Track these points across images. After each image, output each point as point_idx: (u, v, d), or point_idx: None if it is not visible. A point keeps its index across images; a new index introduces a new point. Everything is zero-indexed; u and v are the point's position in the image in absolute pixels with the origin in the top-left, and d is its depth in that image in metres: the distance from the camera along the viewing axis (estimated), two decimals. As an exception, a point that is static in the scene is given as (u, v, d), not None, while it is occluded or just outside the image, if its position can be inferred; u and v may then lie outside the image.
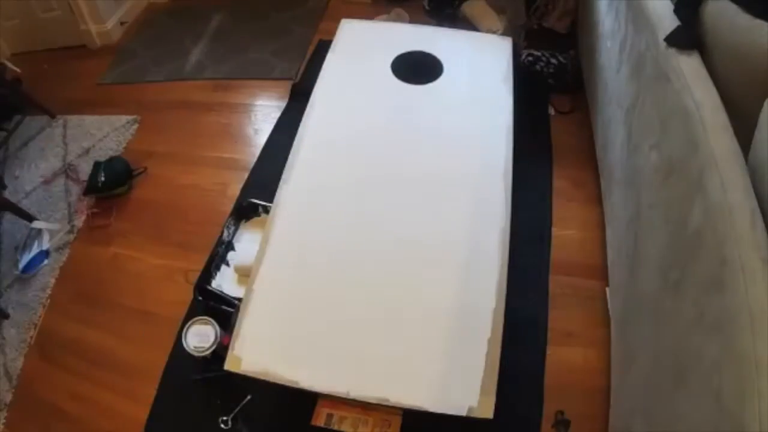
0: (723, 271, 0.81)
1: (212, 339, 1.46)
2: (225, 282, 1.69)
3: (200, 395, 1.51)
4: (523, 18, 2.23)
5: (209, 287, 1.64)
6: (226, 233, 1.76)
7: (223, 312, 1.53)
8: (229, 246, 1.77)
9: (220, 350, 1.40)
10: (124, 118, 2.39)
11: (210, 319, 1.49)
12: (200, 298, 1.62)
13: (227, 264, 1.74)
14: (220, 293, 1.62)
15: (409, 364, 1.15)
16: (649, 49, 1.29)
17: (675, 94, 1.10)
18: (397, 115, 1.58)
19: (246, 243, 1.78)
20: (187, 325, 1.49)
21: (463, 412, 1.06)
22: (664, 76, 1.16)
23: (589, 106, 1.99)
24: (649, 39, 1.28)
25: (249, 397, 1.46)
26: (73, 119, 2.43)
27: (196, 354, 1.45)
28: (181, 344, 1.45)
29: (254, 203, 1.83)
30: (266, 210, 1.81)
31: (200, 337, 1.46)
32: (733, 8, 1.05)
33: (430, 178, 1.43)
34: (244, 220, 1.85)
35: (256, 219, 1.84)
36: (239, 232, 1.82)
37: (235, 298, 1.57)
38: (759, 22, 0.99)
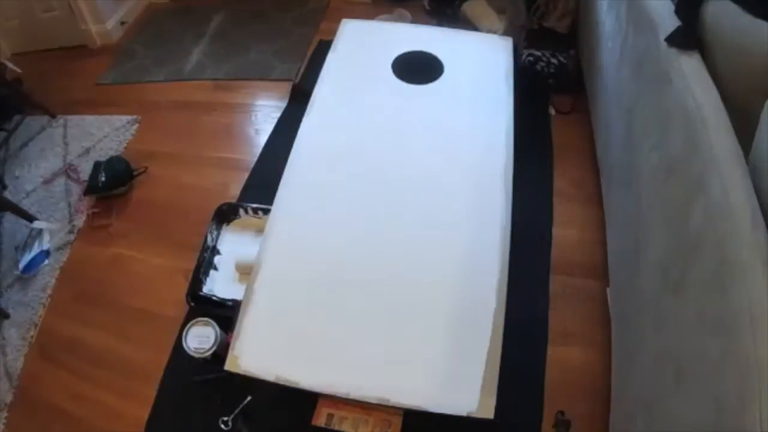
0: (723, 271, 0.81)
1: (212, 340, 1.46)
2: (216, 285, 1.70)
3: (200, 395, 1.51)
4: (524, 18, 2.23)
5: (201, 293, 1.66)
6: (209, 238, 1.78)
7: (220, 315, 1.53)
8: (215, 251, 1.79)
9: (221, 351, 1.40)
10: (125, 118, 2.39)
11: (210, 320, 1.49)
12: (193, 304, 1.64)
13: (215, 268, 1.75)
14: (212, 297, 1.64)
15: (409, 364, 1.15)
16: (649, 50, 1.29)
17: (676, 94, 1.10)
18: (398, 115, 1.57)
19: (230, 245, 1.80)
20: (187, 327, 1.49)
21: (464, 413, 1.06)
22: (665, 77, 1.16)
23: (590, 106, 1.99)
24: (650, 39, 1.28)
25: (249, 397, 1.46)
26: (74, 119, 2.43)
27: (196, 356, 1.45)
28: (182, 344, 1.45)
29: (234, 205, 1.86)
30: (246, 210, 1.84)
31: (200, 338, 1.47)
32: (734, 8, 1.05)
33: (430, 177, 1.43)
34: (225, 223, 1.86)
35: (237, 221, 1.86)
36: (222, 235, 1.83)
37: (228, 300, 1.58)
38: (759, 22, 0.99)
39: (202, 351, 1.45)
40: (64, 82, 2.63)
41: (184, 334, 1.48)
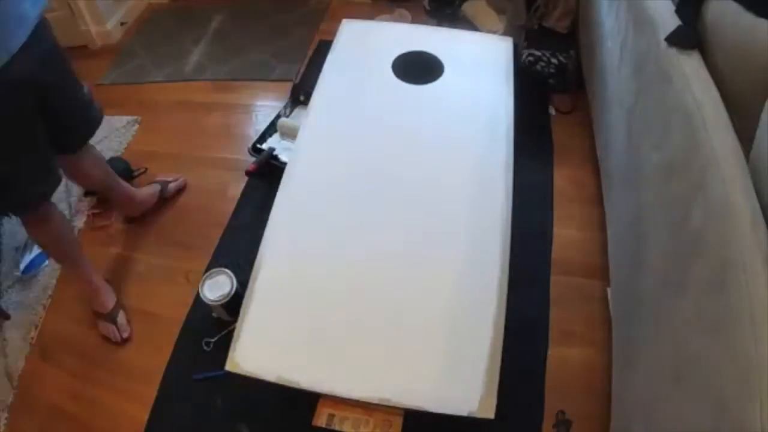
0: (724, 271, 0.81)
1: (229, 286, 1.53)
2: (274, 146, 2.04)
3: (201, 395, 1.51)
4: (524, 18, 2.23)
5: (260, 146, 2.05)
6: (283, 111, 2.16)
7: (267, 163, 1.96)
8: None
9: (239, 295, 1.48)
10: (125, 119, 2.39)
11: (221, 269, 1.57)
12: (253, 152, 2.02)
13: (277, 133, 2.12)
14: (264, 149, 2.02)
15: (410, 364, 1.15)
16: (649, 49, 1.29)
17: (676, 94, 1.10)
18: (398, 115, 1.57)
19: (297, 119, 2.13)
20: (201, 282, 1.54)
21: (465, 413, 1.06)
22: (665, 76, 1.16)
23: (590, 106, 1.99)
24: (650, 39, 1.28)
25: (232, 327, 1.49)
26: (74, 120, 2.43)
27: (219, 304, 1.52)
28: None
29: (308, 91, 1.96)
30: None
31: (216, 287, 1.54)
32: (735, 8, 1.05)
33: (430, 177, 1.43)
34: (300, 106, 2.19)
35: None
36: (294, 112, 2.20)
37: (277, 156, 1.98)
38: (761, 21, 0.99)
39: (223, 297, 1.51)
40: (65, 82, 2.63)
41: (200, 289, 1.53)
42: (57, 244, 1.63)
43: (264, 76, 2.52)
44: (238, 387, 1.47)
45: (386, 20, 2.58)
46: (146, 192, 1.97)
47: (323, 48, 2.26)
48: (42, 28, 1.18)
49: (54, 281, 1.86)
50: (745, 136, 0.95)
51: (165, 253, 1.88)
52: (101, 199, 2.06)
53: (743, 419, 0.68)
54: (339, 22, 1.90)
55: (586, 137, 1.97)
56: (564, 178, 1.93)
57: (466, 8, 2.53)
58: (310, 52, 2.57)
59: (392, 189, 1.41)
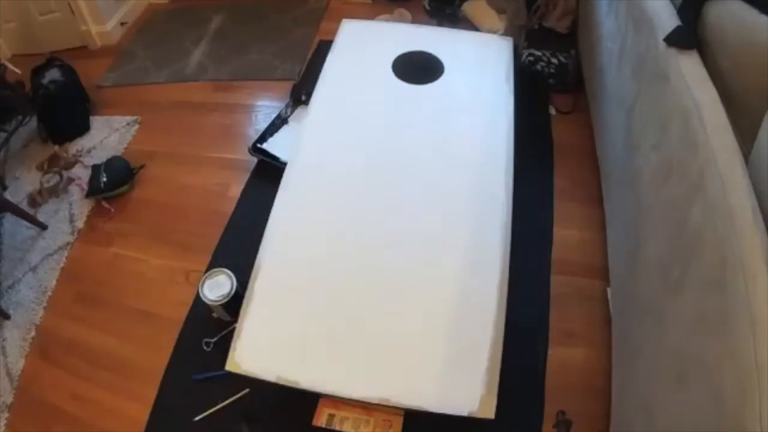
0: (723, 271, 0.81)
1: (229, 286, 1.53)
2: (273, 147, 2.09)
3: (201, 395, 1.51)
4: (524, 18, 2.23)
5: (260, 146, 2.07)
6: (284, 111, 2.20)
7: (268, 163, 2.02)
8: (285, 121, 2.19)
9: (239, 295, 1.46)
10: (125, 119, 2.39)
11: (221, 269, 1.57)
12: (253, 152, 2.06)
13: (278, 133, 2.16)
14: (267, 151, 2.06)
15: (410, 364, 1.15)
16: (649, 50, 1.29)
17: (675, 94, 1.10)
18: (398, 115, 1.57)
19: (297, 122, 2.15)
20: (201, 282, 1.55)
21: (465, 413, 1.06)
22: (664, 76, 1.16)
23: (590, 106, 1.99)
24: (649, 39, 1.28)
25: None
26: (74, 120, 2.43)
27: (219, 304, 1.52)
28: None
29: (309, 91, 1.94)
30: None
31: (217, 287, 1.54)
32: (736, 8, 1.05)
33: (430, 177, 1.43)
34: (301, 106, 2.19)
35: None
36: (295, 112, 2.21)
37: (277, 157, 2.03)
38: (761, 22, 0.99)
39: (223, 297, 1.52)
40: (65, 82, 2.63)
41: (200, 289, 1.54)
42: None
43: (264, 76, 2.52)
44: (239, 387, 1.47)
45: (386, 20, 2.59)
46: None
47: (323, 48, 2.26)
48: None
49: (54, 281, 1.86)
50: (745, 136, 0.95)
51: (165, 254, 1.88)
52: (101, 199, 2.06)
53: (743, 419, 0.68)
54: (339, 22, 1.90)
55: (586, 137, 1.97)
56: (564, 178, 1.93)
57: (466, 8, 2.53)
58: (310, 52, 2.57)
59: (392, 189, 1.41)
